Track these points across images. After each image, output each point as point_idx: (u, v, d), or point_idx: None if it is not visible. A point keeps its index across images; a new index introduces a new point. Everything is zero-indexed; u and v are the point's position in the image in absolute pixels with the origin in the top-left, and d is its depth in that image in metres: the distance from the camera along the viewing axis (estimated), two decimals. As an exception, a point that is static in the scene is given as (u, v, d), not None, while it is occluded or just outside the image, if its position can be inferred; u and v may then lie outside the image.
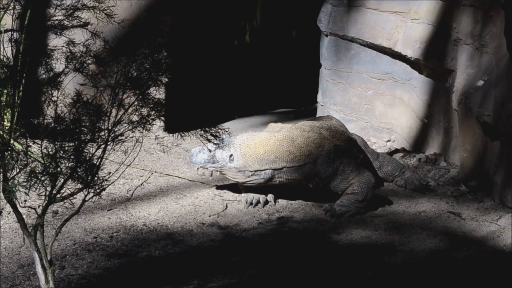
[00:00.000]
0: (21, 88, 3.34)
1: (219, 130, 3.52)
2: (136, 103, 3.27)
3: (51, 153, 3.14)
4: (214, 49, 8.46)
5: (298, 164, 5.30)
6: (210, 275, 4.22)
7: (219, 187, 5.70)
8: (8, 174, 3.16)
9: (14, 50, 3.33)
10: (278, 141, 5.33)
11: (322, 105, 7.34)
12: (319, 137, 5.38)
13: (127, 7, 6.59)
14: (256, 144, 5.32)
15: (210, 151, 5.36)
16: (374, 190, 5.35)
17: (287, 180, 5.36)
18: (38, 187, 3.12)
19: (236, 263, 4.43)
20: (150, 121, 3.33)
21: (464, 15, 5.90)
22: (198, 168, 5.62)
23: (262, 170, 5.32)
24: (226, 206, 5.38)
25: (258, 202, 5.40)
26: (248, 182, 5.39)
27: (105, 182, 3.25)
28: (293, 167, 5.31)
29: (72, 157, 3.16)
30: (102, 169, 3.27)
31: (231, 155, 5.32)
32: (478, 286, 4.24)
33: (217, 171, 5.47)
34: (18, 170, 3.15)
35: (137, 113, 3.30)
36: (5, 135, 3.16)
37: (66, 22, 3.43)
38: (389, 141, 6.87)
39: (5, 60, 3.29)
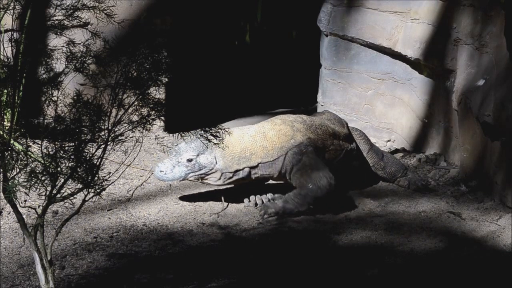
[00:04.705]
0: (21, 88, 3.34)
1: (219, 130, 3.52)
2: (136, 103, 3.27)
3: (51, 153, 3.14)
4: (214, 49, 8.45)
5: (272, 159, 5.23)
6: (210, 275, 4.22)
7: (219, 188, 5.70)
8: (8, 174, 3.16)
9: (14, 50, 3.33)
10: (251, 137, 5.25)
11: (322, 105, 7.34)
12: (291, 130, 5.30)
13: (127, 7, 6.59)
14: (232, 143, 5.20)
15: (189, 160, 5.16)
16: (318, 201, 5.15)
17: (261, 176, 5.30)
18: (38, 187, 3.13)
19: (236, 263, 4.43)
20: (150, 121, 3.32)
21: (464, 15, 5.90)
22: (178, 182, 5.37)
23: (241, 170, 5.25)
24: (226, 206, 5.38)
25: (262, 203, 5.39)
26: (228, 183, 5.32)
27: (105, 182, 3.25)
28: (267, 162, 5.25)
29: (72, 157, 3.16)
30: (102, 169, 3.27)
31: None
32: (478, 286, 4.24)
33: (200, 178, 5.25)
34: (18, 170, 3.16)
35: (137, 113, 3.30)
36: (5, 135, 3.16)
37: (66, 22, 3.43)
38: (389, 141, 6.87)
39: (5, 60, 3.29)
